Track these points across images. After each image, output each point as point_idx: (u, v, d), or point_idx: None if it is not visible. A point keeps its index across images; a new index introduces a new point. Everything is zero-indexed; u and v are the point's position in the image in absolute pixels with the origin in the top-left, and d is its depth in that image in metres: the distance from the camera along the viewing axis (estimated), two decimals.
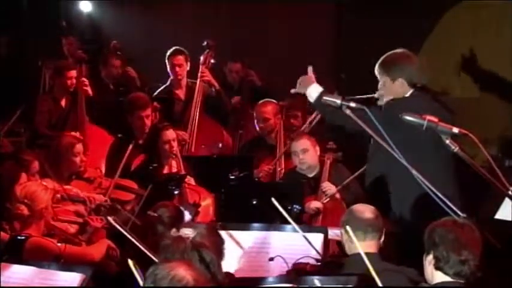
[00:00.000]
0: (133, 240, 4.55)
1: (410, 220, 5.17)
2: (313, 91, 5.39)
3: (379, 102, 5.39)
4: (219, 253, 3.67)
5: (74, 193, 6.27)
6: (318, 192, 6.58)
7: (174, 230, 3.84)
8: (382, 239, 4.51)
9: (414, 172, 4.34)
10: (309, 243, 4.55)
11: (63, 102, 7.75)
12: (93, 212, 6.13)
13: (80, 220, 5.80)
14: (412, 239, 4.29)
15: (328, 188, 6.56)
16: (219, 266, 3.57)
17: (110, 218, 5.10)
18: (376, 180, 5.42)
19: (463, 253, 3.71)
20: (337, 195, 6.52)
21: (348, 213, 4.57)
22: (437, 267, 3.76)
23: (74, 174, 6.66)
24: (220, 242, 3.77)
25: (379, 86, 5.43)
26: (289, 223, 4.68)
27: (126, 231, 4.74)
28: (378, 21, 9.22)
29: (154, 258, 3.79)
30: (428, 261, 3.81)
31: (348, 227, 4.14)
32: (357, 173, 6.43)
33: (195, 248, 3.49)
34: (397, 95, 5.36)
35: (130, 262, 3.19)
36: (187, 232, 3.62)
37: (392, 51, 5.43)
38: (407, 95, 5.36)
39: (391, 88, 5.37)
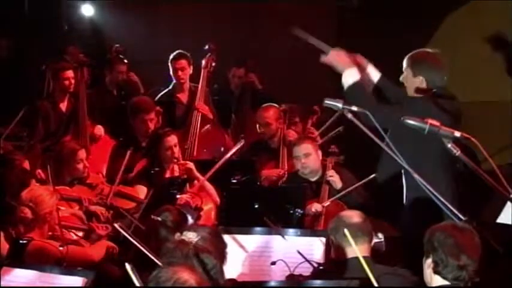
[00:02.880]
0: (139, 245, 4.55)
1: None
2: (350, 76, 5.32)
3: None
4: (222, 257, 3.67)
5: (66, 192, 6.28)
6: (319, 196, 6.58)
7: (177, 234, 3.84)
8: (376, 241, 4.54)
9: (416, 176, 4.34)
10: (302, 256, 4.56)
11: (63, 106, 7.74)
12: (96, 218, 6.13)
13: (86, 227, 5.80)
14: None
15: (332, 175, 6.58)
16: (221, 270, 3.57)
17: (115, 225, 5.11)
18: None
19: (462, 258, 3.71)
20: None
21: (335, 220, 4.60)
22: (436, 272, 3.76)
23: (76, 179, 6.66)
24: (223, 246, 3.77)
25: (402, 75, 5.46)
26: (289, 227, 4.70)
27: (132, 237, 4.75)
28: (379, 23, 9.23)
29: (159, 263, 3.78)
30: (427, 264, 3.81)
31: (345, 231, 4.15)
32: (364, 180, 6.43)
33: (198, 252, 3.49)
34: (414, 91, 5.41)
35: (127, 266, 3.19)
36: (191, 236, 3.61)
37: (424, 49, 5.50)
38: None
39: (411, 82, 5.42)
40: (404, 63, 5.46)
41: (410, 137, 4.77)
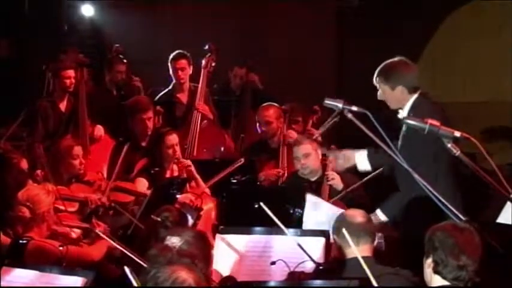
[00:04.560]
0: (122, 249, 4.54)
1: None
2: (360, 158, 5.62)
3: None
4: (207, 260, 3.64)
5: (66, 193, 6.29)
6: (319, 196, 6.57)
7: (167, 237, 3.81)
8: (376, 242, 4.54)
9: (416, 176, 4.34)
10: (303, 250, 4.54)
11: (62, 106, 7.72)
12: (95, 215, 6.13)
13: (85, 225, 5.80)
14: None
15: (333, 177, 6.57)
16: (207, 273, 3.55)
17: (97, 230, 5.14)
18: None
19: (462, 258, 3.71)
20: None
21: (339, 219, 4.59)
22: (436, 271, 3.76)
23: (74, 177, 6.67)
24: (208, 248, 3.74)
25: (378, 94, 5.53)
26: (289, 227, 4.69)
27: (114, 241, 4.76)
28: (379, 22, 9.23)
29: (144, 264, 3.75)
30: (428, 264, 3.81)
31: (344, 230, 4.14)
32: (372, 175, 6.41)
33: (182, 257, 3.47)
34: (398, 101, 5.47)
35: (126, 268, 3.18)
36: (174, 241, 3.60)
37: (389, 60, 5.51)
38: (411, 101, 5.41)
39: (391, 96, 5.49)
40: (377, 82, 5.51)
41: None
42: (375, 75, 5.52)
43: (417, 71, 5.57)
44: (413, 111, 5.33)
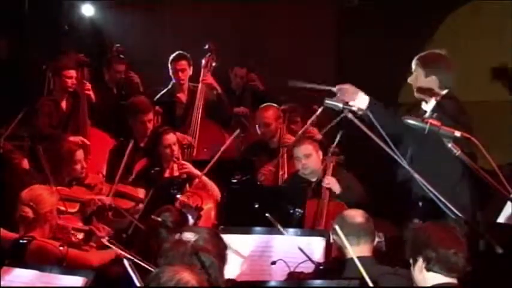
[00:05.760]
0: (130, 256, 4.55)
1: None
2: (362, 102, 5.13)
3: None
4: (222, 258, 3.64)
5: (67, 193, 6.28)
6: (320, 197, 6.57)
7: (178, 234, 3.82)
8: (376, 241, 4.56)
9: (416, 176, 4.34)
10: (304, 254, 4.55)
11: (63, 105, 7.72)
12: (96, 217, 6.13)
13: (86, 228, 5.80)
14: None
15: (328, 181, 6.55)
16: (221, 270, 3.55)
17: (104, 240, 5.13)
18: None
19: (451, 247, 3.74)
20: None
21: (339, 219, 4.60)
22: (429, 269, 3.77)
23: (75, 180, 6.65)
24: (223, 246, 3.74)
25: (411, 77, 5.45)
26: (290, 227, 4.70)
27: (125, 251, 4.76)
28: (379, 22, 9.23)
29: (153, 270, 3.74)
30: (419, 267, 3.81)
31: (336, 226, 4.13)
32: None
33: (195, 251, 3.47)
34: (425, 91, 5.42)
35: (125, 262, 3.18)
36: (189, 236, 3.60)
37: (436, 50, 5.50)
38: (439, 97, 5.38)
39: (422, 83, 5.42)
40: (414, 65, 5.46)
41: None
42: (416, 57, 5.46)
43: (455, 72, 5.51)
44: (439, 110, 5.09)
